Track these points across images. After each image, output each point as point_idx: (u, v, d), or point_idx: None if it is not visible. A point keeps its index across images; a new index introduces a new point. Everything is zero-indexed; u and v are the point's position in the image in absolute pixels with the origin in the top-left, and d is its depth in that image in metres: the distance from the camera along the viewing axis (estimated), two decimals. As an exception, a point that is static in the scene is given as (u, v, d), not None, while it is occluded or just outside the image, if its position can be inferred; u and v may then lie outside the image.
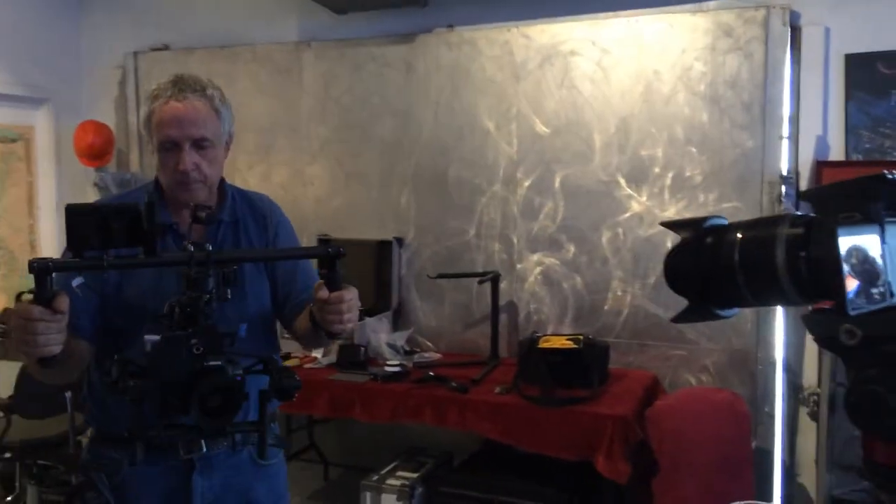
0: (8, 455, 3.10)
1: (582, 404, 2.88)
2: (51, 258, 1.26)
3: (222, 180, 1.75)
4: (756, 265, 0.97)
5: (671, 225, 1.07)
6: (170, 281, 1.46)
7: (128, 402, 1.20)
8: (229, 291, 1.30)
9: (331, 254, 1.43)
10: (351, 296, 1.48)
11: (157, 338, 1.23)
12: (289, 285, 1.76)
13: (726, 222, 1.04)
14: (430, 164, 3.76)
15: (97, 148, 4.22)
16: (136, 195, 1.69)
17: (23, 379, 2.92)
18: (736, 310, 1.06)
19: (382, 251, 3.80)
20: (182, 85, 1.62)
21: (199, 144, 1.62)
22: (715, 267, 1.00)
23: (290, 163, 4.04)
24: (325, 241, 3.91)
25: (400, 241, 3.82)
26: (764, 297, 1.02)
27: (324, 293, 1.46)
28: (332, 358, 3.46)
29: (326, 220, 3.96)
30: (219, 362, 1.22)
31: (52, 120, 4.34)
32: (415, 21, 3.74)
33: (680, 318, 1.04)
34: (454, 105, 3.70)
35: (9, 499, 3.43)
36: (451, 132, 3.71)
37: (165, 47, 4.28)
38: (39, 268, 1.22)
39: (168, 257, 1.37)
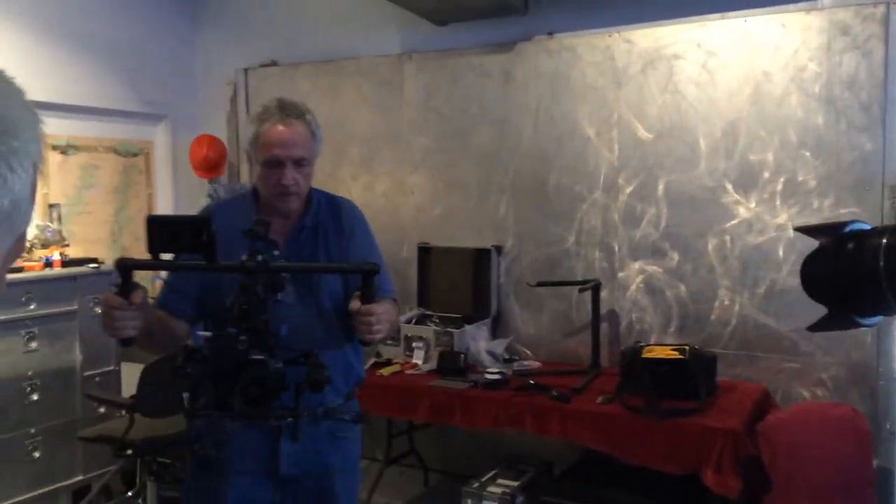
0: (130, 452, 3.26)
1: (689, 416, 2.80)
2: (132, 258, 1.58)
3: (311, 189, 1.98)
4: (903, 271, 0.93)
5: (808, 230, 1.04)
6: None
7: (186, 386, 1.43)
8: (279, 295, 1.51)
9: (364, 270, 1.59)
10: (381, 310, 1.66)
11: (207, 333, 1.43)
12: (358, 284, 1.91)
13: (868, 227, 1.00)
14: (530, 172, 3.75)
15: (211, 161, 4.43)
16: (238, 203, 2.04)
17: (145, 379, 3.07)
18: (879, 318, 1.02)
19: (481, 259, 3.83)
20: (287, 110, 1.87)
21: (299, 163, 1.87)
22: (856, 273, 0.96)
23: (391, 173, 4.12)
24: (425, 249, 3.99)
25: (499, 248, 3.83)
26: (909, 304, 0.97)
27: (355, 304, 1.64)
28: (433, 365, 3.51)
29: (426, 228, 4.02)
30: (261, 356, 1.42)
31: (169, 135, 4.59)
32: (514, 30, 3.75)
33: (818, 327, 1.01)
34: (553, 112, 3.68)
35: (129, 494, 3.63)
36: (551, 140, 3.69)
37: (273, 63, 4.45)
38: (121, 265, 1.55)
39: (223, 265, 1.54)
